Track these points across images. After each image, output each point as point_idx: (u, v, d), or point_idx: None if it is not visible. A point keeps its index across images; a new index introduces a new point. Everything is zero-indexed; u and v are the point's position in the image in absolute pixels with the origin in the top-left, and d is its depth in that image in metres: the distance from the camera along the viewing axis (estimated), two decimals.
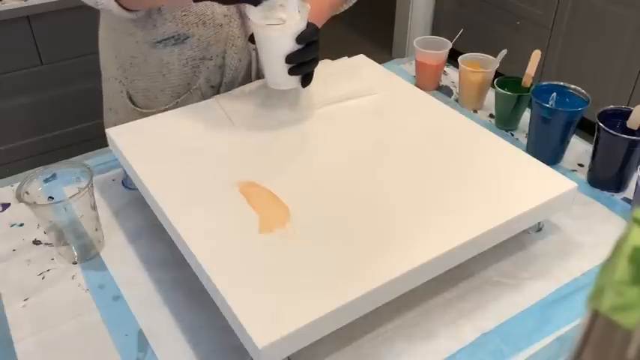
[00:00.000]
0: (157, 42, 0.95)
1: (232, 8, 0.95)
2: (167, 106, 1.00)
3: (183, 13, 0.92)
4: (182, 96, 1.00)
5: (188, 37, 0.94)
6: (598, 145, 0.89)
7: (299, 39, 0.82)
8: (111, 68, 1.04)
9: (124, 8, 0.87)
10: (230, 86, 1.01)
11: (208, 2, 0.87)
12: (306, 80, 0.87)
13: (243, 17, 0.96)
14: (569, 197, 0.78)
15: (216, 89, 1.01)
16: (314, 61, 0.86)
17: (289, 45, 0.82)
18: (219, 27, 0.95)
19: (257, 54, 0.97)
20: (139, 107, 1.02)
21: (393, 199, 0.75)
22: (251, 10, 0.83)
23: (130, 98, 1.03)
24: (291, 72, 0.85)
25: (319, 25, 0.97)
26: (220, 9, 0.94)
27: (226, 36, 0.96)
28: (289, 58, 0.83)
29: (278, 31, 0.81)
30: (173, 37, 0.94)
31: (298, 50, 0.83)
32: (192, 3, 0.83)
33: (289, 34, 0.81)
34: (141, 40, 0.96)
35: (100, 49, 1.06)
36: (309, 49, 0.84)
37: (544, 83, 0.96)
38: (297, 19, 0.82)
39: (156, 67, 0.98)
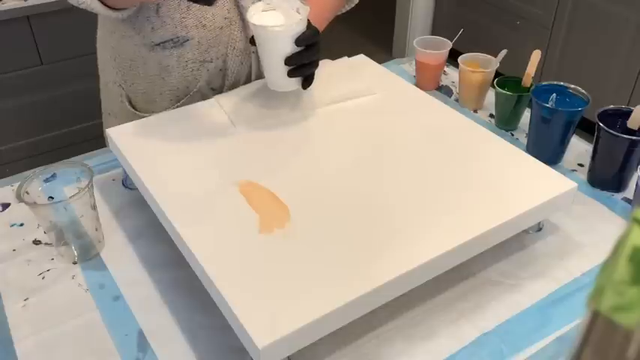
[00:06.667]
0: (156, 44, 0.94)
1: (233, 10, 0.94)
2: (167, 110, 1.00)
3: (182, 16, 0.92)
4: (182, 99, 1.00)
5: (187, 40, 0.94)
6: (598, 145, 0.89)
7: (298, 41, 0.82)
8: (110, 72, 1.03)
9: (109, 8, 0.87)
10: (232, 89, 1.00)
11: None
12: (306, 82, 0.87)
13: (244, 20, 0.96)
14: (569, 197, 0.78)
15: (217, 92, 1.00)
16: (314, 64, 0.86)
17: (289, 46, 0.82)
18: (219, 29, 0.95)
19: (258, 56, 0.97)
20: (139, 111, 1.02)
21: (392, 199, 0.75)
22: (251, 11, 0.83)
23: (130, 102, 1.03)
24: (290, 74, 0.85)
25: (322, 27, 0.96)
26: (221, 11, 0.93)
27: (227, 39, 0.96)
28: (289, 60, 0.83)
29: (277, 33, 0.81)
30: (172, 39, 0.94)
31: (298, 52, 0.83)
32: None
33: (289, 36, 0.81)
34: (139, 42, 0.95)
35: (99, 53, 1.06)
36: (309, 51, 0.84)
37: (544, 83, 0.96)
38: (297, 20, 0.81)
39: (155, 70, 0.97)
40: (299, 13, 0.84)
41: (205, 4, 0.77)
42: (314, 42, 0.84)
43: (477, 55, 1.10)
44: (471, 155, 0.83)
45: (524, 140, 1.00)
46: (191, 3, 0.90)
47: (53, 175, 0.79)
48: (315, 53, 0.85)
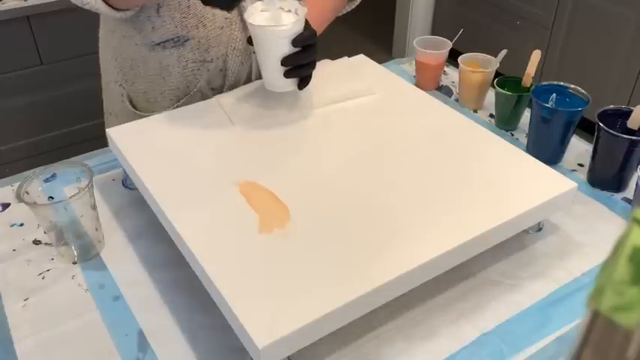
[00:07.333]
0: (156, 44, 0.94)
1: (233, 10, 0.94)
2: (168, 110, 0.99)
3: (183, 16, 0.92)
4: (182, 99, 1.00)
5: (188, 40, 0.94)
6: (598, 145, 0.89)
7: (295, 41, 0.82)
8: (111, 71, 1.04)
9: (113, 8, 0.87)
10: (232, 89, 1.00)
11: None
12: (302, 83, 0.87)
13: (244, 20, 0.96)
14: (569, 197, 0.78)
15: (218, 92, 1.00)
16: (311, 65, 0.86)
17: (286, 47, 0.82)
18: (219, 29, 0.95)
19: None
20: (140, 111, 1.02)
21: (392, 199, 0.75)
22: (249, 11, 0.83)
23: (131, 102, 1.03)
24: (286, 74, 0.84)
25: (322, 28, 0.96)
26: (221, 11, 0.93)
27: (227, 39, 0.96)
28: (285, 61, 0.83)
29: (274, 33, 0.81)
30: (172, 39, 0.94)
31: (294, 53, 0.83)
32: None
33: (286, 36, 0.81)
34: (140, 42, 0.95)
35: (100, 53, 1.06)
36: (305, 52, 0.83)
37: (544, 83, 0.96)
38: (294, 21, 0.81)
39: (155, 70, 0.97)
40: (297, 15, 0.84)
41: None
42: (311, 43, 0.83)
43: (477, 55, 1.10)
44: (471, 155, 0.83)
45: (524, 140, 1.00)
46: (191, 2, 0.90)
47: (53, 175, 0.79)
48: (312, 54, 0.85)
